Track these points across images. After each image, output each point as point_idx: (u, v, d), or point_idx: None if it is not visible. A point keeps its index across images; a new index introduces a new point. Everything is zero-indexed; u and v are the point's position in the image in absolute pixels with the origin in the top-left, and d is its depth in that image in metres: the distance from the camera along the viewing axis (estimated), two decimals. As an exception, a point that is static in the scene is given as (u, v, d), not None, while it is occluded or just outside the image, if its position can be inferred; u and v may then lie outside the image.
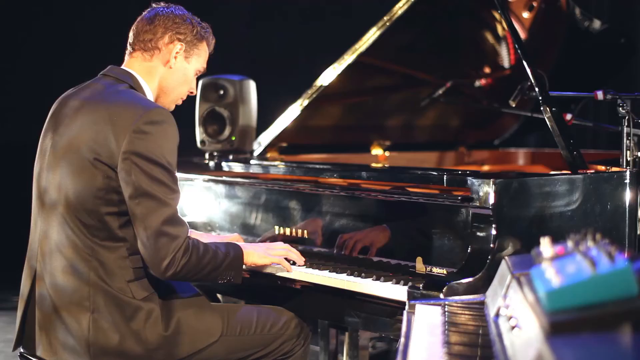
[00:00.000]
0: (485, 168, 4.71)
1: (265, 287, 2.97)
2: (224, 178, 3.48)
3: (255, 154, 3.96)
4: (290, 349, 2.79)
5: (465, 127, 4.91)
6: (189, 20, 2.72)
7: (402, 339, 1.96)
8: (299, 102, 3.80)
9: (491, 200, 2.48)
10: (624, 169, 2.95)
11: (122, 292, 2.51)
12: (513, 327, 1.70)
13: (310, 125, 4.16)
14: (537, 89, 3.02)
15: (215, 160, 3.67)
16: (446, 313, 2.13)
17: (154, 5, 2.75)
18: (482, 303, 2.18)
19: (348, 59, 3.65)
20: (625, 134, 3.14)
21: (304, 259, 2.86)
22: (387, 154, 4.50)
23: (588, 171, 2.85)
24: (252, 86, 3.78)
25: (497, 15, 4.33)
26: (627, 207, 2.89)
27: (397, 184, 2.86)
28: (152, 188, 2.43)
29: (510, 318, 1.76)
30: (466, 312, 2.15)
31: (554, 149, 4.84)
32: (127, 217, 2.49)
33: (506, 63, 4.58)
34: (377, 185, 2.98)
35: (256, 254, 2.75)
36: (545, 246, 1.70)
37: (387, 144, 4.50)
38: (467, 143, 4.94)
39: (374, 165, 3.91)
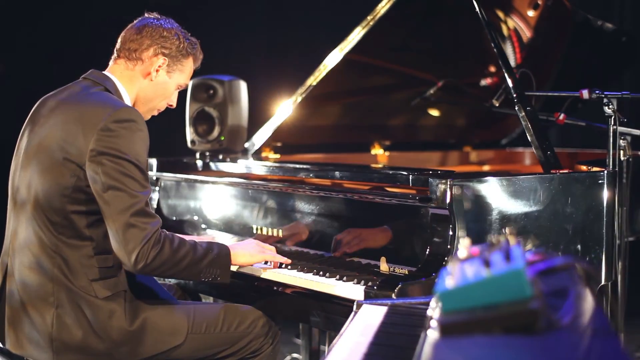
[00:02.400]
0: (486, 168, 4.66)
1: (237, 286, 2.98)
2: (204, 177, 3.52)
3: (250, 153, 3.99)
4: (258, 347, 2.80)
5: (471, 126, 4.88)
6: (176, 35, 2.73)
7: (336, 339, 1.96)
8: (290, 100, 3.82)
9: (447, 200, 2.46)
10: (600, 170, 2.90)
11: (85, 290, 2.54)
12: (428, 329, 1.69)
13: (307, 124, 4.16)
14: (512, 88, 2.98)
15: (203, 160, 3.70)
16: (389, 314, 2.12)
17: (146, 14, 2.77)
18: (429, 304, 2.17)
19: (337, 56, 3.65)
20: (611, 134, 3.10)
21: (289, 260, 2.87)
22: (386, 153, 4.49)
23: (560, 171, 2.81)
24: (242, 86, 3.80)
25: (500, 15, 4.30)
26: (603, 207, 2.84)
27: (366, 184, 2.85)
28: (119, 182, 2.45)
29: (431, 319, 1.76)
30: (409, 313, 2.14)
31: (561, 148, 4.81)
32: (95, 216, 2.52)
33: (512, 62, 4.53)
34: (353, 185, 2.97)
35: (247, 255, 2.77)
36: (462, 247, 1.69)
37: (386, 143, 4.49)
38: (473, 143, 4.90)
39: (349, 164, 3.87)
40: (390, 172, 2.88)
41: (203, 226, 3.54)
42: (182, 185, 3.62)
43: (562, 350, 1.34)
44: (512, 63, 4.51)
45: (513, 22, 4.34)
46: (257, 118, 4.06)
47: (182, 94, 3.81)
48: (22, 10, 5.44)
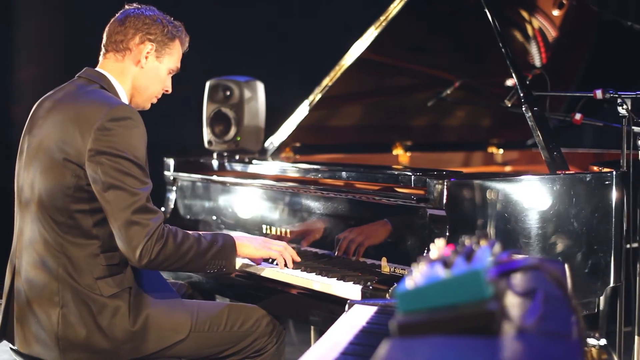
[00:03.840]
0: (508, 169, 4.62)
1: (244, 285, 3.00)
2: (216, 177, 3.56)
3: (269, 153, 4.02)
4: (263, 346, 2.81)
5: (496, 126, 4.84)
6: (159, 20, 2.78)
7: (319, 339, 1.97)
8: (309, 101, 3.84)
9: (444, 201, 2.45)
10: (608, 171, 2.86)
11: (90, 288, 2.57)
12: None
13: (326, 125, 4.18)
14: (519, 88, 2.96)
15: (219, 161, 3.74)
16: (377, 314, 2.12)
17: (126, 6, 2.82)
18: (420, 305, 2.16)
19: (352, 56, 3.65)
20: (625, 134, 3.06)
21: (299, 259, 2.89)
22: (408, 154, 4.48)
23: (566, 172, 2.78)
24: (258, 87, 3.82)
25: (525, 14, 4.26)
26: (612, 209, 2.80)
27: (371, 185, 2.85)
28: (119, 180, 2.48)
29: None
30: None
31: (588, 149, 4.75)
32: (100, 214, 2.56)
33: (537, 61, 4.50)
34: (362, 185, 2.97)
35: (252, 247, 2.80)
36: (434, 248, 1.69)
37: (408, 144, 4.48)
38: (498, 143, 4.86)
39: (355, 165, 3.86)
40: (396, 172, 2.87)
41: (222, 226, 3.57)
42: (197, 185, 3.66)
43: (515, 352, 1.33)
44: (538, 63, 4.48)
45: (538, 21, 4.30)
46: (278, 118, 4.07)
47: (199, 95, 3.87)
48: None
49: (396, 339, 1.40)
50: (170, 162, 3.74)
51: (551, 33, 4.33)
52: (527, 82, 3.39)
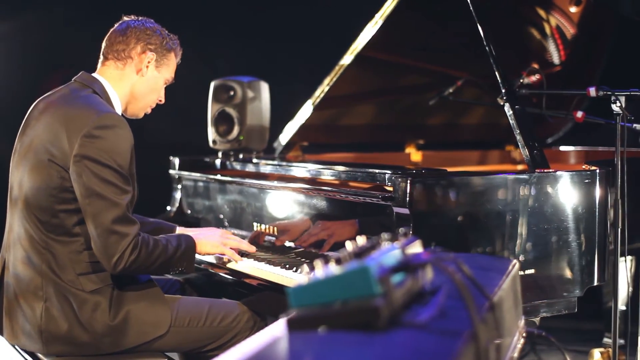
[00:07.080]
0: (519, 167, 4.57)
1: (233, 283, 3.06)
2: (213, 176, 3.63)
3: (277, 152, 4.07)
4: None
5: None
6: (158, 31, 2.87)
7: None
8: (309, 101, 3.87)
9: (407, 199, 2.45)
10: (590, 169, 2.82)
11: (72, 284, 2.66)
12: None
13: (334, 124, 4.20)
14: (500, 86, 2.94)
15: (222, 160, 3.80)
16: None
17: (125, 18, 2.91)
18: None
19: (351, 54, 3.68)
20: (618, 132, 3.02)
21: (254, 249, 3.01)
22: (420, 152, 4.47)
23: (545, 170, 2.75)
24: (262, 87, 3.86)
25: (542, 13, 4.22)
26: (595, 207, 2.76)
27: (343, 183, 2.87)
28: (102, 189, 2.57)
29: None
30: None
31: (608, 147, 4.67)
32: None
33: (556, 59, 4.45)
34: (356, 185, 3.00)
35: (209, 244, 2.92)
36: (349, 244, 1.70)
37: (420, 142, 4.47)
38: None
39: (346, 163, 3.87)
40: (377, 171, 2.87)
41: (226, 224, 3.63)
42: (200, 184, 3.72)
43: (392, 348, 1.35)
44: (557, 60, 4.43)
45: (555, 19, 4.26)
46: (288, 118, 4.11)
47: (204, 95, 3.94)
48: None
49: (286, 333, 1.44)
50: (176, 161, 3.81)
51: (569, 30, 4.28)
52: (522, 81, 3.38)
